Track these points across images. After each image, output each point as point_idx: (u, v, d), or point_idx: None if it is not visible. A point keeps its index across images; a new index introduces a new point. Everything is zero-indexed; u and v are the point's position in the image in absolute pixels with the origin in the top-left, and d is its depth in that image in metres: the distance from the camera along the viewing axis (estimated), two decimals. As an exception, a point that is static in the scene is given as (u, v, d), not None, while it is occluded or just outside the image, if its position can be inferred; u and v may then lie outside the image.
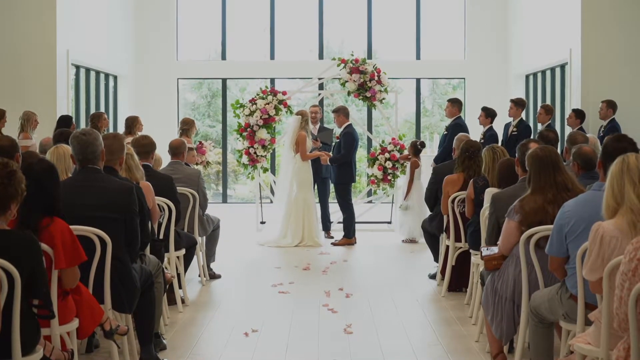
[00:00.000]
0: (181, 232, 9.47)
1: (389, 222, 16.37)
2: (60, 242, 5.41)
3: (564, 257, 5.72)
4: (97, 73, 19.04)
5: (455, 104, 14.58)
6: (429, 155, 17.24)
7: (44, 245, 5.25)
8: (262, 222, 16.18)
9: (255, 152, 15.64)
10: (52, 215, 5.47)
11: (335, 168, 14.44)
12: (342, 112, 14.45)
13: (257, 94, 15.76)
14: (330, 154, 14.53)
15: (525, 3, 19.87)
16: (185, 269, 9.72)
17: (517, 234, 6.36)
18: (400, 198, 15.06)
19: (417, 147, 14.94)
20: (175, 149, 10.57)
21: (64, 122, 13.07)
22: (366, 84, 15.60)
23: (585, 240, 5.21)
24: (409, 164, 14.85)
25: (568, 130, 14.75)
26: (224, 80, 22.13)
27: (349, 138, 14.28)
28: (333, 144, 14.92)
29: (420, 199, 14.45)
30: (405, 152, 15.23)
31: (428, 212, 12.55)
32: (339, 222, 15.12)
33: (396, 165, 15.50)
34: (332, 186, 15.31)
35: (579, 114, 14.53)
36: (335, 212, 15.39)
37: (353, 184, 14.99)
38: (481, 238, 8.04)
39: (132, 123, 13.98)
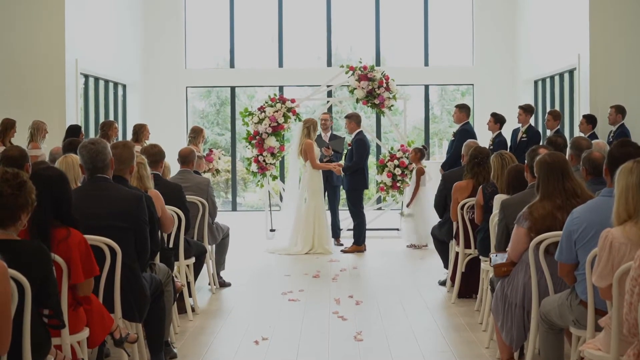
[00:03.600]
0: (191, 241, 9.48)
1: (399, 229, 16.37)
2: (77, 255, 5.42)
3: (573, 263, 5.71)
4: (106, 82, 19.08)
5: (463, 110, 14.57)
6: (437, 161, 17.23)
7: (56, 257, 5.26)
8: (272, 230, 16.19)
9: (264, 160, 15.66)
10: (65, 223, 5.49)
11: (347, 175, 14.43)
12: (353, 119, 14.46)
13: (266, 102, 15.79)
14: (342, 163, 14.54)
15: (533, 9, 19.87)
16: (195, 277, 9.73)
17: (527, 241, 6.35)
18: (414, 205, 15.02)
19: (422, 152, 14.98)
20: (185, 158, 10.59)
21: (73, 132, 13.11)
22: (374, 91, 15.60)
23: (595, 247, 5.21)
24: (414, 171, 14.88)
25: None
26: (233, 88, 22.17)
27: (361, 145, 14.29)
28: (345, 151, 14.91)
29: (425, 205, 14.53)
30: (412, 165, 15.18)
31: (432, 218, 12.64)
32: (349, 229, 15.13)
33: (405, 172, 15.50)
34: (342, 193, 15.31)
35: (590, 120, 14.49)
36: (345, 219, 15.40)
37: (365, 190, 15.01)
38: (491, 244, 8.03)
39: (139, 130, 14.03)
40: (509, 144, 14.60)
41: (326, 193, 14.94)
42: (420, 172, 14.77)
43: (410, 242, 14.83)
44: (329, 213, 14.93)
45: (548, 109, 18.46)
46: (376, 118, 21.26)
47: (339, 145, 15.00)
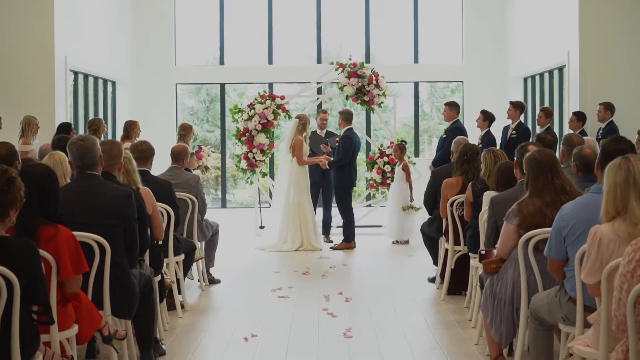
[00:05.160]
0: (180, 238, 9.46)
1: (381, 226, 16.33)
2: (66, 252, 5.42)
3: (562, 259, 5.72)
4: (96, 79, 19.04)
5: (453, 107, 14.57)
6: (427, 158, 17.23)
7: (45, 253, 5.25)
8: (261, 227, 16.19)
9: (254, 157, 15.66)
10: (52, 219, 5.48)
11: (335, 172, 14.45)
12: (342, 116, 14.50)
13: (256, 99, 15.79)
14: (331, 157, 14.55)
15: (522, 6, 19.89)
16: (185, 274, 9.71)
17: (516, 237, 6.36)
18: (397, 201, 14.98)
19: (405, 147, 15.02)
20: (177, 155, 10.57)
21: (64, 130, 13.05)
22: (364, 88, 15.61)
23: (584, 243, 5.21)
24: (399, 168, 14.90)
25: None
26: (223, 85, 22.15)
27: (347, 141, 14.30)
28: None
29: (406, 201, 14.63)
30: (400, 167, 15.16)
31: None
32: (339, 227, 15.13)
33: (395, 169, 15.50)
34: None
35: (580, 117, 14.54)
36: (335, 216, 15.40)
37: (353, 188, 15.01)
38: (480, 241, 8.04)
39: (130, 127, 14.00)
40: (498, 141, 14.61)
41: (321, 189, 14.97)
42: (407, 168, 14.82)
43: (394, 239, 14.89)
44: (319, 209, 14.94)
45: (538, 106, 18.49)
46: (366, 115, 21.25)
47: (334, 142, 15.04)
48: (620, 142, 6.06)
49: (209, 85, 23.18)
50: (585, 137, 10.84)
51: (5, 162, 7.09)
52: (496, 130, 14.78)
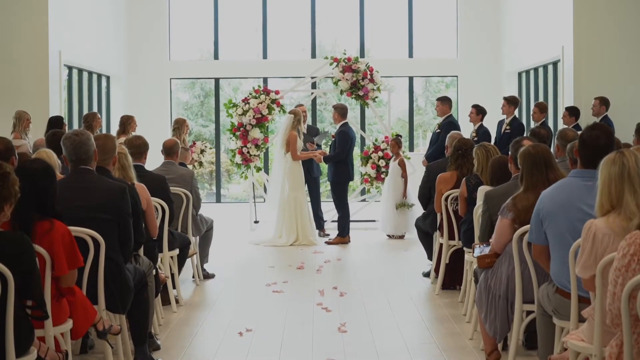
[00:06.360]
0: (175, 232, 9.46)
1: (375, 221, 16.32)
2: (61, 247, 5.41)
3: (543, 244, 5.76)
4: (90, 73, 19.01)
5: (446, 102, 14.59)
6: (421, 153, 17.24)
7: (39, 248, 5.24)
8: (256, 222, 16.19)
9: (248, 152, 15.65)
10: (49, 215, 5.47)
11: (332, 167, 14.45)
12: (337, 110, 14.47)
13: (250, 94, 15.78)
14: (326, 152, 14.55)
15: (517, 1, 19.88)
16: (180, 269, 9.70)
17: (510, 232, 6.37)
18: (392, 196, 14.95)
19: (400, 142, 14.99)
20: (169, 149, 10.55)
21: (55, 123, 13.02)
22: (359, 83, 15.60)
23: (561, 225, 5.29)
24: (395, 163, 14.87)
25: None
26: (217, 80, 22.12)
27: (344, 136, 14.29)
28: (329, 142, 14.89)
29: (399, 196, 14.62)
30: (396, 162, 15.08)
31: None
32: (333, 221, 15.13)
33: (389, 164, 15.50)
34: (327, 184, 15.29)
35: (572, 112, 14.54)
36: (329, 211, 15.40)
37: (350, 182, 15.00)
38: (474, 236, 8.04)
39: (127, 122, 13.97)
40: (493, 134, 14.61)
41: (307, 185, 14.95)
42: (403, 163, 14.79)
43: (388, 232, 14.89)
44: (310, 204, 14.95)
45: (532, 101, 18.49)
46: (360, 110, 21.25)
47: (320, 139, 15.00)
48: (594, 129, 6.02)
49: (203, 80, 23.16)
50: (579, 132, 10.83)
51: (1, 157, 7.08)
52: (489, 124, 14.78)
